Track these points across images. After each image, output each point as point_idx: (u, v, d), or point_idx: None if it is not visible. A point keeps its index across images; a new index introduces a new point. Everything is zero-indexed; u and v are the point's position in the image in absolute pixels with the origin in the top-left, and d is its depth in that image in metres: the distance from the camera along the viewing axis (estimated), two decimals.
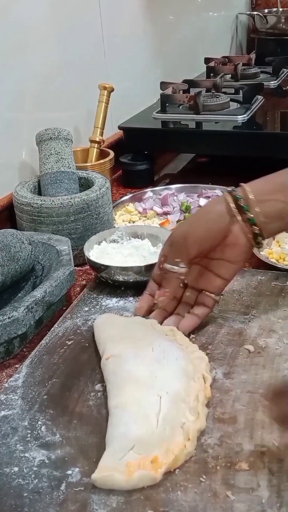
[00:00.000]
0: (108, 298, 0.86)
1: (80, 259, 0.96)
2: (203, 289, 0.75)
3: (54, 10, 1.19)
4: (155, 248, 0.93)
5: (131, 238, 0.96)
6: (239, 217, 0.71)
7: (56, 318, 0.83)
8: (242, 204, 0.70)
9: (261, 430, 0.59)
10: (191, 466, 0.56)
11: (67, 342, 0.76)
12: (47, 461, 0.57)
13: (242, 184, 0.72)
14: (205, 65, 1.74)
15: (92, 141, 1.24)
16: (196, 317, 0.75)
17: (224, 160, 1.36)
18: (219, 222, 0.71)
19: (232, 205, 0.71)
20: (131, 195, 1.22)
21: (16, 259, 0.83)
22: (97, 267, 0.88)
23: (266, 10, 2.41)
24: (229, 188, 0.73)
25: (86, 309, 0.83)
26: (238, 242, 0.72)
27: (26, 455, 0.58)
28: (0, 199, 1.07)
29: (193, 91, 1.41)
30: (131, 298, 0.85)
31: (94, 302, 0.85)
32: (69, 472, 0.56)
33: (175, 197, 1.19)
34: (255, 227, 0.71)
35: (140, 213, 1.16)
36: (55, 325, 0.80)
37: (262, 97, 1.45)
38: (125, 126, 1.35)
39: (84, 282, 0.94)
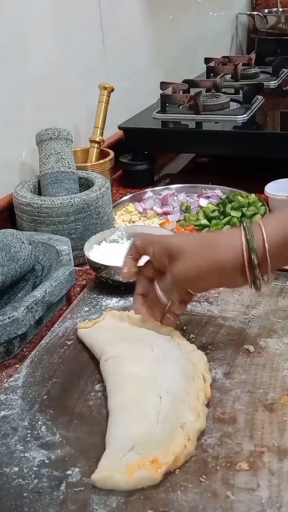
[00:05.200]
0: (108, 298, 0.86)
1: (80, 259, 0.96)
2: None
3: (54, 10, 1.19)
4: None
5: (131, 238, 0.95)
6: (249, 277, 0.66)
7: (56, 318, 0.83)
8: (256, 274, 0.65)
9: (261, 430, 0.59)
10: (191, 466, 0.56)
11: (67, 342, 0.76)
12: (47, 461, 0.57)
13: (261, 233, 0.65)
14: (205, 65, 1.73)
15: (92, 141, 1.24)
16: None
17: (224, 160, 1.36)
18: (232, 280, 0.67)
19: (247, 269, 0.65)
20: (131, 195, 1.22)
21: (16, 259, 0.83)
22: (97, 267, 0.88)
23: (266, 10, 2.41)
24: (246, 236, 0.65)
25: (86, 309, 0.83)
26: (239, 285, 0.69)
27: (26, 455, 0.58)
28: (0, 199, 1.07)
29: (193, 91, 1.41)
30: (131, 298, 0.85)
31: (94, 302, 0.85)
32: (69, 472, 0.56)
33: (175, 197, 1.19)
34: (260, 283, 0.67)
35: (140, 213, 1.16)
36: (55, 325, 0.80)
37: (262, 97, 1.45)
38: (125, 126, 1.35)
39: (84, 282, 0.94)
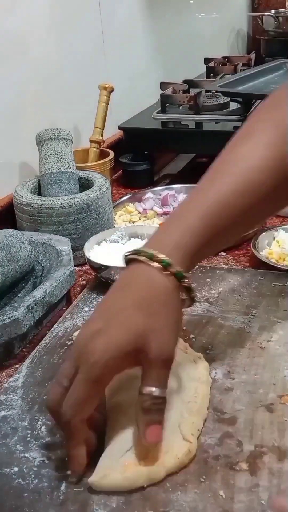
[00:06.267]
0: None
1: (80, 259, 0.96)
2: None
3: (54, 10, 1.19)
4: None
5: (131, 238, 0.96)
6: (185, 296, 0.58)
7: (56, 318, 0.83)
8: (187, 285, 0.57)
9: (261, 430, 0.59)
10: (191, 466, 0.56)
11: (67, 342, 0.76)
12: (47, 461, 0.57)
13: (172, 263, 0.55)
14: (205, 65, 1.74)
15: (92, 141, 1.24)
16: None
17: None
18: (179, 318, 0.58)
19: (181, 294, 0.57)
20: (131, 195, 1.22)
21: (16, 259, 0.83)
22: (97, 267, 0.88)
23: (271, 11, 2.41)
24: (165, 271, 0.55)
25: (86, 309, 0.83)
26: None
27: (26, 455, 0.58)
28: (0, 199, 1.07)
29: (193, 91, 1.41)
30: None
31: (94, 302, 0.85)
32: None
33: (175, 197, 1.19)
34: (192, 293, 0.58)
35: (140, 213, 1.16)
36: (55, 325, 0.80)
37: None
38: (125, 126, 1.35)
39: (84, 282, 0.94)
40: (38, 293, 0.78)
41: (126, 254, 0.58)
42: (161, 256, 0.55)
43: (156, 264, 0.55)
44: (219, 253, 0.99)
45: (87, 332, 0.54)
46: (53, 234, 0.94)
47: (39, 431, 0.61)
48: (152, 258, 0.55)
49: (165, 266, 0.55)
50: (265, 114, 0.65)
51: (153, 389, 0.53)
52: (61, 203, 0.95)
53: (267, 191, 0.60)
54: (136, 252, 0.57)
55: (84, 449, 0.54)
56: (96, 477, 0.53)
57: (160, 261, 0.55)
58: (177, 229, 0.58)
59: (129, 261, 0.58)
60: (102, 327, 0.53)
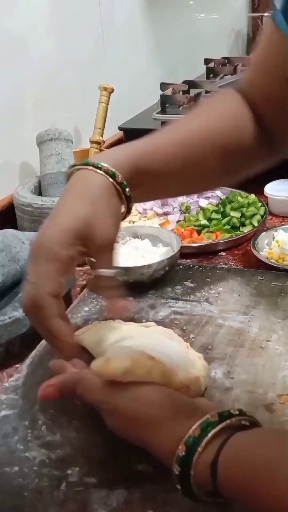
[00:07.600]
0: None
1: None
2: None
3: (54, 10, 1.19)
4: (155, 248, 0.93)
5: (131, 238, 0.96)
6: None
7: None
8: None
9: None
10: None
11: None
12: (47, 461, 0.57)
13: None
14: (205, 66, 1.74)
15: (92, 142, 1.24)
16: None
17: None
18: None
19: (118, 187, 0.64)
20: None
21: (16, 259, 0.83)
22: None
23: (265, 12, 2.41)
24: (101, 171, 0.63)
25: (86, 309, 0.84)
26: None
27: (27, 454, 0.58)
28: (1, 200, 1.07)
29: (193, 92, 1.41)
30: (131, 298, 0.85)
31: (94, 302, 0.85)
32: (69, 471, 0.56)
33: (175, 197, 1.19)
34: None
35: (140, 213, 1.16)
36: None
37: None
38: (125, 127, 1.35)
39: (84, 282, 0.94)
40: None
41: (69, 170, 0.66)
42: (95, 161, 0.63)
43: (90, 167, 0.63)
44: (219, 253, 0.99)
45: (39, 232, 0.61)
46: None
47: (39, 431, 0.61)
48: (87, 164, 0.64)
49: (98, 167, 0.63)
50: (207, 104, 0.79)
51: (103, 270, 0.63)
52: None
53: (196, 153, 0.70)
54: (75, 164, 0.66)
55: (64, 324, 0.60)
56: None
57: (94, 165, 0.63)
58: (112, 152, 0.68)
59: (69, 175, 0.65)
60: (50, 221, 0.61)
